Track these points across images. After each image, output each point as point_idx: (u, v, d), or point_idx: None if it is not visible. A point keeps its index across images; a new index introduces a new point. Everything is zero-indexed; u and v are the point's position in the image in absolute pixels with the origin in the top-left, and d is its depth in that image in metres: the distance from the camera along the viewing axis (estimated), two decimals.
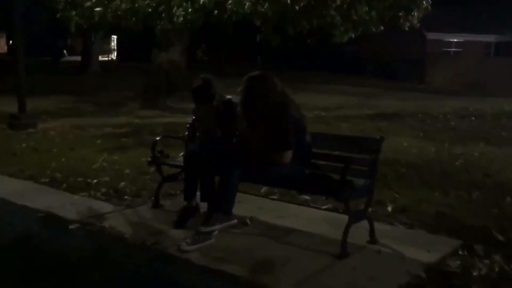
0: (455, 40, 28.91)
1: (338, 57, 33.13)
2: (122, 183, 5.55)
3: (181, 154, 4.80)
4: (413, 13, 10.46)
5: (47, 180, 5.73)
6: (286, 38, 10.45)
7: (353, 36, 12.73)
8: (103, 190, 5.35)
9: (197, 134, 4.56)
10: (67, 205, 4.84)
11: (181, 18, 9.52)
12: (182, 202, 4.74)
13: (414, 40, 27.69)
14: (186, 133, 5.03)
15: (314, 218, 4.34)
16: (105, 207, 4.81)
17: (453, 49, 29.11)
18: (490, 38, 29.48)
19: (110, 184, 5.56)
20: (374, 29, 12.46)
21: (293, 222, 4.23)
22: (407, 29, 10.95)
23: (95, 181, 5.66)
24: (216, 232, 3.79)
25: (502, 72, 24.18)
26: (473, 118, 10.81)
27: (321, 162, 4.02)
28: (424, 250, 3.65)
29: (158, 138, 4.91)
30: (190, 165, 4.22)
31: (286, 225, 4.19)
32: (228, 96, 4.34)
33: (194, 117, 4.61)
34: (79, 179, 5.76)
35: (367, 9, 10.69)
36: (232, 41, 29.44)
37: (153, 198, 4.99)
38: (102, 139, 8.42)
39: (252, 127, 3.85)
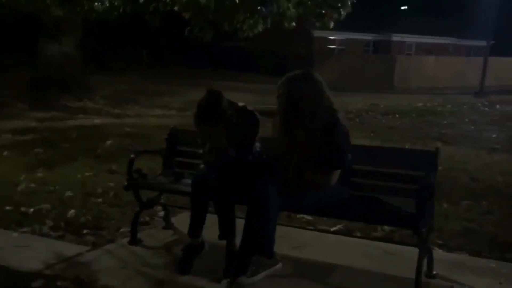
0: (338, 38, 29.97)
1: (225, 53, 32.78)
2: (71, 211, 4.37)
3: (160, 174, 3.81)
4: (341, 12, 10.22)
5: None
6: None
7: (260, 29, 12.27)
8: (49, 222, 4.14)
9: (204, 152, 3.58)
10: (9, 248, 3.61)
11: (106, 3, 8.15)
12: (163, 234, 3.88)
13: (301, 38, 28.22)
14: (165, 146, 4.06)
15: (341, 247, 3.65)
16: (65, 248, 3.65)
17: (337, 47, 30.17)
18: (369, 36, 31.10)
19: (55, 213, 4.35)
20: (286, 24, 12.11)
21: (325, 255, 3.49)
22: (331, 27, 10.71)
23: (31, 209, 4.40)
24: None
25: (381, 68, 25.50)
26: (397, 116, 10.87)
27: (363, 181, 3.32)
28: (495, 281, 3.15)
29: (133, 156, 3.85)
30: (200, 194, 3.27)
31: (319, 259, 3.43)
32: (241, 104, 3.46)
33: (199, 139, 3.59)
34: (7, 207, 4.45)
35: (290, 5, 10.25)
36: (115, 34, 27.54)
37: (124, 230, 3.97)
38: (8, 150, 6.88)
39: (294, 142, 3.03)
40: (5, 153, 6.63)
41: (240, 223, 3.19)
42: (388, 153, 3.33)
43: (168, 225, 4.10)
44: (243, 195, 3.15)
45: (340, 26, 22.20)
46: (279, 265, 3.01)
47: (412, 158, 3.27)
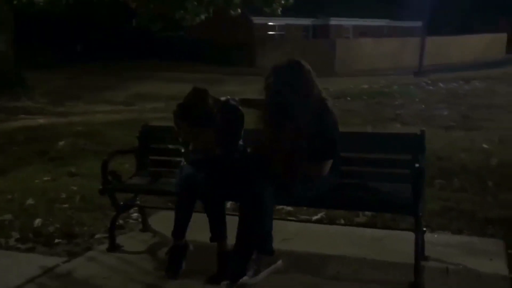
0: (278, 24, 30.02)
1: (165, 44, 32.10)
2: (38, 220, 4.07)
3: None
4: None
5: None
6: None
7: (203, 17, 12.11)
8: (15, 234, 3.85)
9: (185, 151, 3.38)
10: None
11: None
12: (142, 237, 3.71)
13: (241, 25, 28.09)
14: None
15: (328, 236, 3.61)
16: (38, 260, 3.40)
17: (277, 33, 30.24)
18: (308, 21, 31.35)
19: (19, 223, 4.05)
20: (232, 12, 12.01)
21: (315, 246, 3.43)
22: (279, 12, 10.70)
23: None
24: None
25: (321, 52, 25.81)
26: (349, 99, 10.98)
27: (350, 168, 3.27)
28: (485, 258, 3.21)
29: (106, 157, 3.62)
30: (187, 194, 3.10)
31: (310, 250, 3.37)
32: (223, 98, 3.31)
33: (180, 138, 3.39)
34: None
35: None
36: (49, 29, 26.28)
37: (99, 237, 3.76)
38: None
39: (282, 134, 2.92)
40: None
41: (231, 221, 3.09)
42: (373, 138, 3.30)
43: (146, 227, 3.92)
44: (234, 193, 3.03)
45: (280, 12, 22.39)
46: (279, 262, 2.92)
47: (398, 142, 3.26)
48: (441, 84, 12.53)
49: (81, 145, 6.79)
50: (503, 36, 31.79)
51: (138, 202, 3.86)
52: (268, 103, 2.94)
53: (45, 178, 5.27)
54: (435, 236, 3.61)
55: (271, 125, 2.95)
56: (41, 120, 9.63)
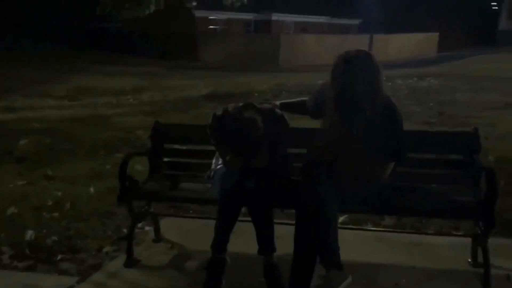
0: (219, 17, 29.59)
1: (101, 35, 30.86)
2: (29, 233, 3.55)
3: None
4: None
5: None
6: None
7: (155, 8, 11.66)
8: (7, 250, 3.32)
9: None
10: None
11: None
12: (159, 249, 3.38)
13: (182, 18, 27.43)
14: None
15: (361, 241, 3.38)
16: (46, 281, 2.93)
17: (219, 27, 29.81)
18: (250, 16, 31.15)
19: (8, 237, 3.50)
20: (187, 5, 11.63)
21: (356, 253, 3.18)
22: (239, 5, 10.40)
23: None
24: None
25: (265, 47, 25.75)
26: None
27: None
28: None
29: (122, 160, 3.17)
30: (234, 202, 2.74)
31: (356, 258, 3.11)
32: (265, 105, 2.97)
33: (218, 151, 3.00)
34: None
35: None
36: None
37: (107, 250, 3.33)
38: None
39: (351, 132, 2.63)
40: None
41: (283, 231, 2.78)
42: (422, 136, 3.08)
43: (158, 237, 3.51)
44: (287, 199, 2.72)
45: (221, 6, 22.13)
46: (349, 278, 2.62)
47: (450, 141, 3.06)
48: (398, 81, 12.68)
49: (47, 144, 6.16)
50: (435, 36, 33.14)
51: (151, 210, 3.44)
52: (339, 98, 2.62)
53: (20, 182, 4.68)
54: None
55: (340, 122, 2.64)
56: None
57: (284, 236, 2.75)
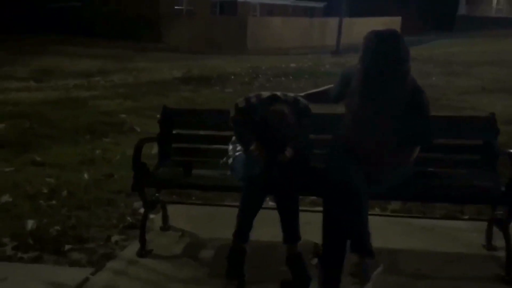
0: None
1: (55, 16, 29.67)
2: (30, 222, 3.38)
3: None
4: None
5: None
6: None
7: None
8: (9, 241, 3.15)
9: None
10: None
11: None
12: (169, 238, 3.28)
13: None
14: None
15: (377, 227, 3.37)
16: (56, 273, 2.80)
17: (185, 7, 29.25)
18: None
19: (7, 227, 3.33)
20: None
21: (382, 239, 3.16)
22: None
23: None
24: None
25: (232, 30, 25.49)
26: (291, 78, 10.80)
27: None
28: None
29: (136, 147, 3.03)
30: (259, 189, 2.67)
31: (376, 245, 3.09)
32: (290, 94, 2.91)
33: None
34: None
35: None
36: None
37: (116, 239, 3.22)
38: None
39: (378, 114, 2.58)
40: None
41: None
42: (442, 122, 3.07)
43: (167, 226, 3.41)
44: (314, 185, 2.68)
45: None
46: (381, 267, 2.59)
47: (468, 126, 3.08)
48: None
49: (27, 129, 5.90)
50: (397, 20, 33.57)
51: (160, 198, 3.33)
52: (369, 77, 2.56)
53: (7, 169, 4.46)
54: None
55: (368, 103, 2.58)
56: None
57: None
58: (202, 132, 3.42)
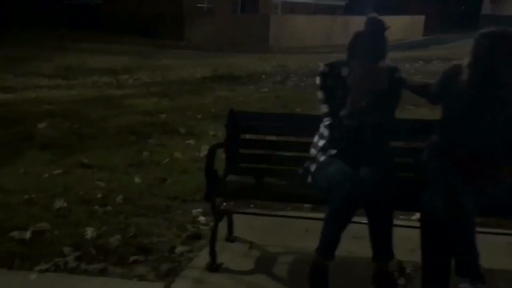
0: None
1: (78, 13, 29.76)
2: (89, 230, 3.21)
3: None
4: None
5: None
6: None
7: None
8: (70, 251, 2.98)
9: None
10: None
11: None
12: (237, 249, 3.10)
13: None
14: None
15: None
16: None
17: (206, 5, 29.11)
18: None
19: (65, 235, 3.16)
20: None
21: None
22: None
23: (28, 233, 3.15)
24: None
25: (255, 28, 25.28)
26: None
27: None
28: None
29: (208, 155, 2.82)
30: (353, 201, 2.45)
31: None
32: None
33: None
34: None
35: None
36: None
37: (181, 250, 3.04)
38: None
39: (491, 121, 2.36)
40: None
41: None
42: None
43: (232, 236, 3.22)
44: (409, 200, 2.46)
45: None
46: None
47: None
48: (406, 65, 12.46)
49: (68, 129, 5.75)
50: (421, 18, 33.11)
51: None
52: (481, 80, 2.33)
53: (56, 172, 4.29)
54: None
55: (480, 106, 2.36)
56: None
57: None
58: (273, 138, 3.21)
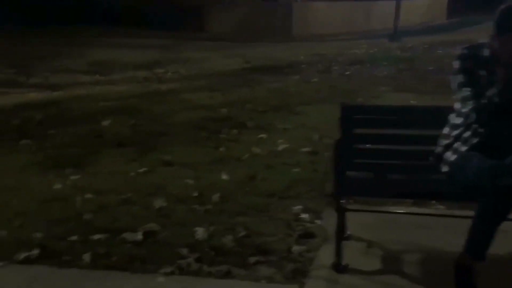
0: None
1: (93, 6, 29.66)
2: (198, 230, 3.14)
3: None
4: None
5: (26, 255, 2.89)
6: None
7: None
8: (186, 252, 2.92)
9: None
10: None
11: None
12: (356, 248, 2.98)
13: None
14: None
15: None
16: None
17: None
18: None
19: (175, 236, 3.11)
20: None
21: None
22: None
23: (139, 235, 3.10)
24: None
25: (277, 16, 25.03)
26: (368, 65, 10.36)
27: None
28: None
29: (335, 146, 2.73)
30: (505, 204, 2.33)
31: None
32: None
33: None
34: (97, 236, 3.09)
35: None
36: None
37: (298, 249, 2.98)
38: None
39: None
40: None
41: None
42: None
43: (346, 234, 3.13)
44: None
45: None
46: None
47: None
48: (439, 50, 12.24)
49: (134, 126, 5.69)
50: (444, 1, 32.48)
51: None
52: None
53: (140, 170, 4.24)
54: None
55: None
56: (33, 95, 8.20)
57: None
58: (390, 131, 3.10)
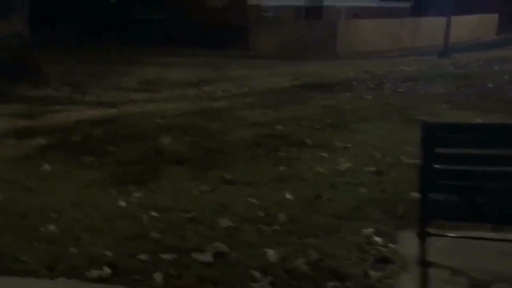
0: (269, 4, 28.87)
1: (142, 27, 30.45)
2: (271, 252, 3.05)
3: None
4: None
5: (98, 273, 2.85)
6: None
7: None
8: (262, 276, 2.81)
9: None
10: None
11: None
12: (440, 278, 2.83)
13: (234, 6, 26.84)
14: None
15: None
16: None
17: (270, 14, 29.12)
18: (300, 2, 30.34)
19: (249, 258, 3.00)
20: None
21: None
22: None
23: (209, 255, 3.02)
24: None
25: (321, 34, 24.97)
26: (422, 82, 10.11)
27: None
28: None
29: (422, 168, 2.60)
30: None
31: None
32: None
33: None
34: (168, 255, 3.04)
35: None
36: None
37: (375, 275, 2.81)
38: (39, 160, 5.12)
39: None
40: (45, 166, 4.89)
41: None
42: None
43: (427, 260, 2.94)
44: None
45: None
46: None
47: None
48: (495, 67, 11.85)
49: (192, 143, 5.67)
50: (493, 17, 31.78)
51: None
52: None
53: (203, 188, 4.18)
54: None
55: None
56: (90, 112, 8.34)
57: None
58: (474, 151, 2.92)
